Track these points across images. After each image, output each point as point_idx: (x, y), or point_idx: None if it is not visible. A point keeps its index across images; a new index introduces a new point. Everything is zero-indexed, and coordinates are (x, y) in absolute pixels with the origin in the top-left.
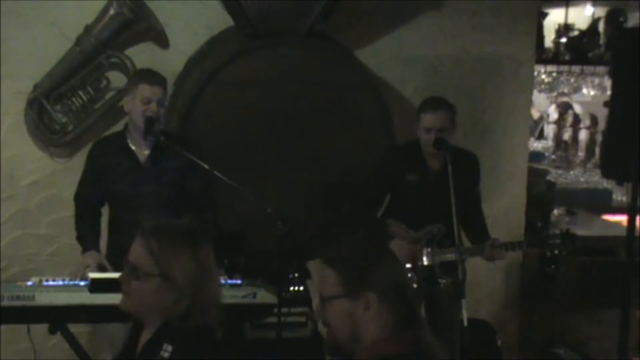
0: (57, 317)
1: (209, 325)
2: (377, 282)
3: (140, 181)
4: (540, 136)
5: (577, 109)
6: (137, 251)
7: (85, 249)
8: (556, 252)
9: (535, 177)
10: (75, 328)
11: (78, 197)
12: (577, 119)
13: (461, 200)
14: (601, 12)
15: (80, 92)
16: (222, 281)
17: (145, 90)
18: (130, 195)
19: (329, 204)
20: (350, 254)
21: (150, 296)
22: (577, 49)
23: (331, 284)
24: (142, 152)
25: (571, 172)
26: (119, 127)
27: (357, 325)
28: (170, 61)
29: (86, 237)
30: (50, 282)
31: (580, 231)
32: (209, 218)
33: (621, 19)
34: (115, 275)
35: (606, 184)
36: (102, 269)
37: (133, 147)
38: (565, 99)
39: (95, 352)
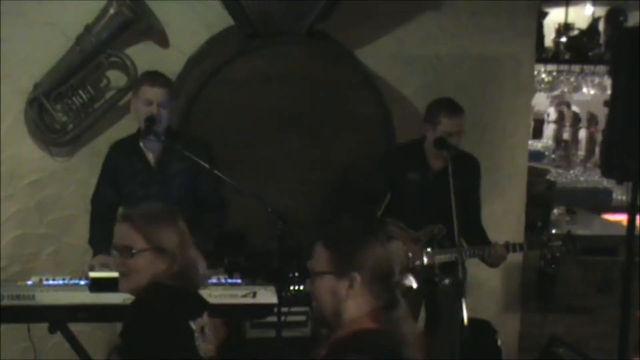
0: (57, 317)
1: (190, 286)
2: (363, 265)
3: (150, 182)
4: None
5: (576, 108)
6: (125, 233)
7: (95, 253)
8: (557, 254)
9: (535, 176)
10: (75, 327)
11: (94, 200)
12: (576, 118)
13: (460, 203)
14: (601, 11)
15: (81, 92)
16: (223, 280)
17: (146, 91)
18: (140, 196)
19: (329, 202)
20: (344, 236)
21: (146, 269)
22: (577, 48)
23: (322, 261)
24: (153, 154)
25: (571, 172)
26: (119, 126)
27: (340, 301)
28: (171, 61)
29: (97, 241)
30: (51, 282)
31: (580, 230)
32: (217, 218)
33: (621, 19)
34: (116, 274)
35: (606, 183)
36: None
37: (145, 149)
38: (564, 98)
39: (95, 352)
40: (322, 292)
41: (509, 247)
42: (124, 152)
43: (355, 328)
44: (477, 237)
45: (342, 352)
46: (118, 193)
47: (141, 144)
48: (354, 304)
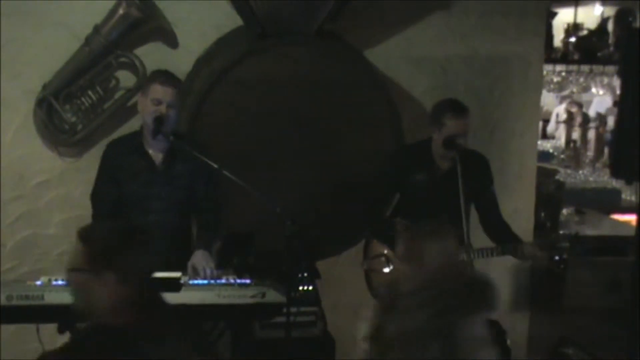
0: (66, 317)
1: None
2: (119, 265)
3: (153, 183)
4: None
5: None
6: None
7: None
8: (564, 256)
9: (544, 176)
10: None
11: (95, 198)
12: (586, 119)
13: (476, 203)
14: (610, 11)
15: (90, 92)
16: (232, 281)
17: (156, 91)
18: (142, 196)
19: (338, 203)
20: (101, 235)
21: None
22: (586, 49)
23: (81, 258)
24: (158, 154)
25: (580, 172)
26: (128, 126)
27: (94, 297)
28: (179, 61)
29: None
30: (60, 282)
31: (589, 231)
32: (211, 221)
33: (630, 19)
34: None
35: (615, 183)
36: None
37: (148, 149)
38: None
39: None
40: (79, 288)
41: (539, 245)
42: (125, 150)
43: (104, 321)
44: (501, 234)
45: (75, 346)
46: (118, 191)
47: (144, 144)
48: (107, 301)
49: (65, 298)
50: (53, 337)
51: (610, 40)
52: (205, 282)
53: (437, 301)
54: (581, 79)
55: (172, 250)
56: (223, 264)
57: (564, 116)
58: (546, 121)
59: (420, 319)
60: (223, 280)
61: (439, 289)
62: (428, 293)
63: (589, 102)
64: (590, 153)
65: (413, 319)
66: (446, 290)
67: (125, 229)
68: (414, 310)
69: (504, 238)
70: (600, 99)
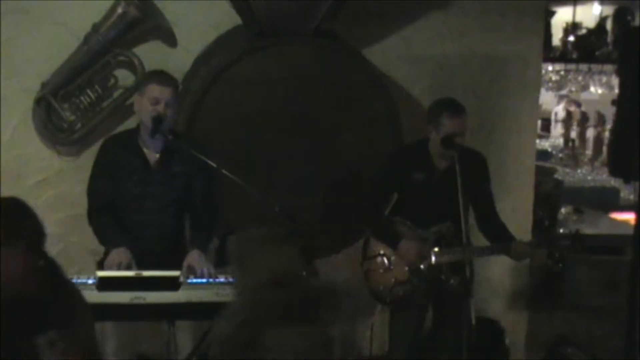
0: None
1: None
2: (26, 233)
3: (148, 182)
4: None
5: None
6: None
7: (114, 246)
8: (565, 254)
9: (543, 175)
10: None
11: (92, 194)
12: (584, 118)
13: (473, 201)
14: (609, 10)
15: (88, 91)
16: (230, 280)
17: (154, 90)
18: (136, 195)
19: (336, 202)
20: (2, 209)
21: None
22: (585, 48)
23: None
24: (153, 154)
25: (578, 171)
26: (127, 125)
27: (5, 270)
28: (178, 60)
29: (110, 233)
30: None
31: (587, 230)
32: (206, 221)
33: (629, 18)
34: (124, 273)
35: (613, 182)
36: (129, 268)
37: (144, 148)
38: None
39: (102, 351)
40: None
41: (532, 244)
42: (121, 148)
43: (12, 289)
44: (497, 233)
45: None
46: (113, 188)
47: (140, 143)
48: (18, 270)
49: None
50: None
51: (609, 39)
52: (204, 280)
53: (243, 312)
54: (580, 78)
55: (166, 250)
56: (221, 263)
57: (562, 115)
58: (545, 120)
59: (225, 329)
60: (222, 279)
61: (249, 299)
62: (237, 303)
63: (589, 102)
64: (589, 152)
65: (220, 329)
66: (258, 301)
67: (14, 199)
68: (222, 320)
69: (499, 237)
70: None
